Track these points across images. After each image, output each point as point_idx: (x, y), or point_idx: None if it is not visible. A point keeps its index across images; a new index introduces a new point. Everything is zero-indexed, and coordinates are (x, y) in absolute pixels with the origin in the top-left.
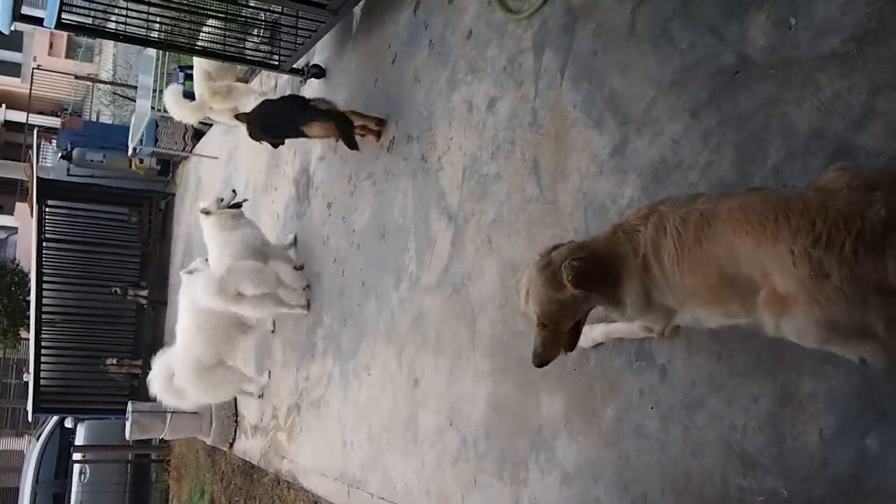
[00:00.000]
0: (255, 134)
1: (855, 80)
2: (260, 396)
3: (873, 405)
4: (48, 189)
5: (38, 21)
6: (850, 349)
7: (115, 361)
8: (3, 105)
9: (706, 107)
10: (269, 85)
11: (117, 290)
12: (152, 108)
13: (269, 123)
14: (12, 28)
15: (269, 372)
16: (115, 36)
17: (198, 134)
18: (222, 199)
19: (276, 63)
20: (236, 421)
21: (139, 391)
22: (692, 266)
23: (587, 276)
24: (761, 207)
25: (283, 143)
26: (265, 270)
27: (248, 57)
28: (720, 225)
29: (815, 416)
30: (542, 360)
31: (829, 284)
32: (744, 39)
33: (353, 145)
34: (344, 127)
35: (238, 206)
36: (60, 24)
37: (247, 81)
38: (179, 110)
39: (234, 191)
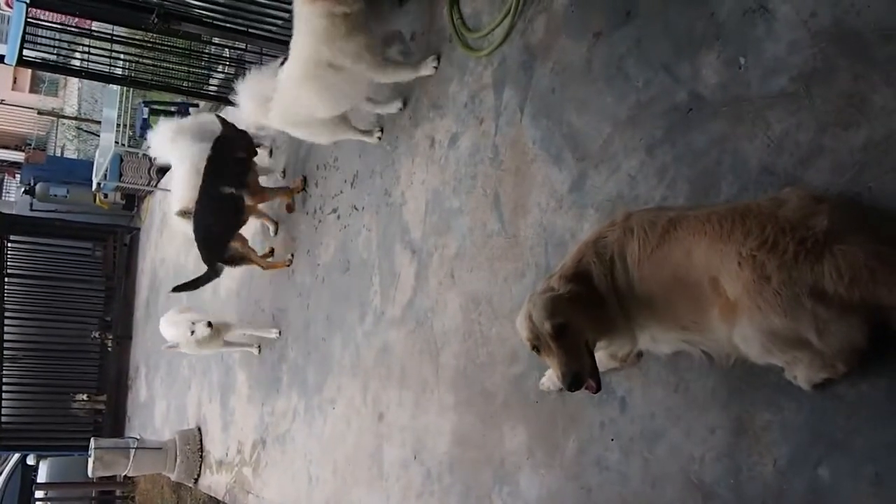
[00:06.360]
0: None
1: (802, 119)
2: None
3: (824, 435)
4: (10, 224)
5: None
6: (789, 359)
7: (85, 398)
8: None
9: (661, 143)
10: None
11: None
12: (116, 142)
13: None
14: None
15: None
16: (79, 72)
17: (162, 168)
18: None
19: None
20: (201, 456)
21: (103, 427)
22: (651, 268)
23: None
24: (724, 212)
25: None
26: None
27: (211, 92)
28: (683, 229)
29: (769, 446)
30: (573, 376)
31: (769, 288)
32: (696, 78)
33: None
34: None
35: None
36: (22, 61)
37: None
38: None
39: None
